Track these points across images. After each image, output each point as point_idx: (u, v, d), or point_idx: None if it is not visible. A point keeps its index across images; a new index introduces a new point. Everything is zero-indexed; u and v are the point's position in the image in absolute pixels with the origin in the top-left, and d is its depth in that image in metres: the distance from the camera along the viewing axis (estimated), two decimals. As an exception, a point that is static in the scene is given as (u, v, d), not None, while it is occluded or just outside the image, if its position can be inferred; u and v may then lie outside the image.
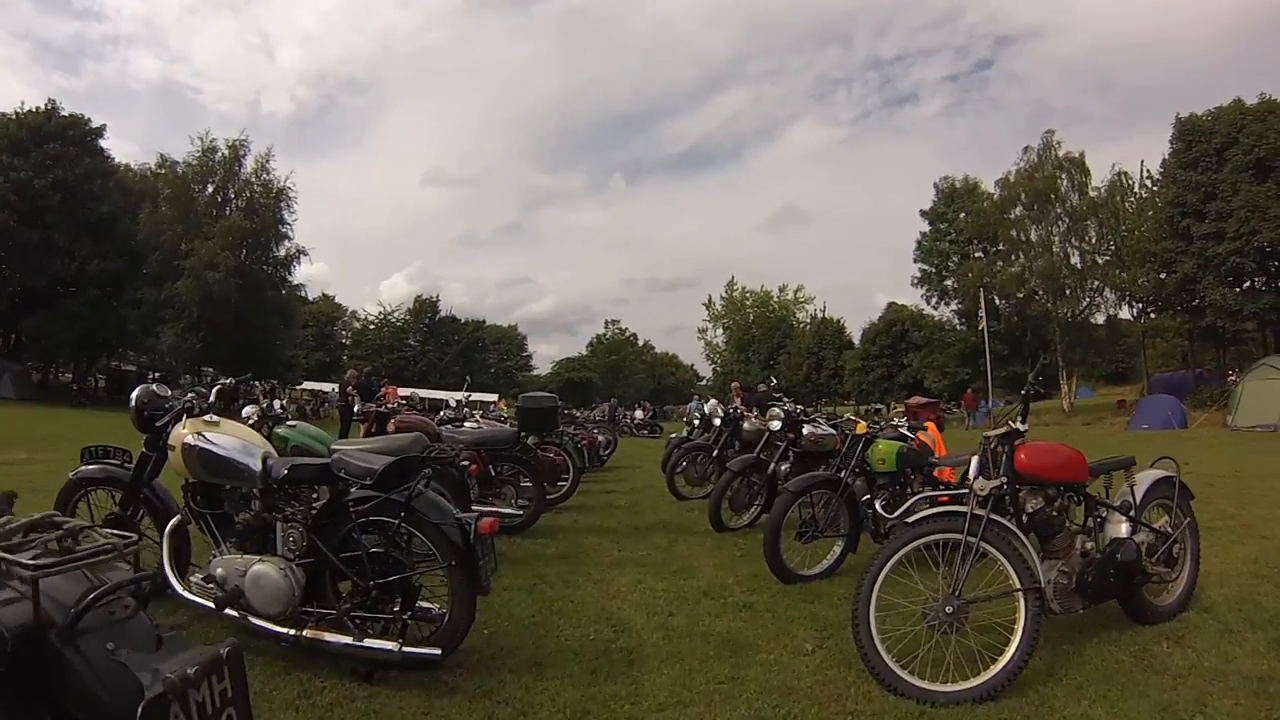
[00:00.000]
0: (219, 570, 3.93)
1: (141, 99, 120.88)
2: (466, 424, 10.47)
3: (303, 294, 53.38)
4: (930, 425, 8.50)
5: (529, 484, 7.68)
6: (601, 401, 52.83)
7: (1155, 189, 40.98)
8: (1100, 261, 47.23)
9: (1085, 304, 48.95)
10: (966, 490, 6.43)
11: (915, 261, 58.93)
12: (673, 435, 16.83)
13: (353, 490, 3.77)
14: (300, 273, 48.91)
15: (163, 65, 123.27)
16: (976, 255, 54.25)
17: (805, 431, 7.89)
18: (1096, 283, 47.70)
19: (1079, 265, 48.05)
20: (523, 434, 8.17)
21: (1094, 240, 47.77)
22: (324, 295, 76.30)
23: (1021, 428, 4.13)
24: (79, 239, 41.16)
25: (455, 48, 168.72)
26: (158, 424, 4.46)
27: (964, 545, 3.80)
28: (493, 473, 7.56)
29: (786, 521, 5.82)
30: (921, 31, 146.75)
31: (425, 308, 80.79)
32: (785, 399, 8.48)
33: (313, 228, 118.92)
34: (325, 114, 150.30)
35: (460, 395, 13.36)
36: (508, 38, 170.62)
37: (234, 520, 4.06)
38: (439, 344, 78.75)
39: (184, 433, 4.18)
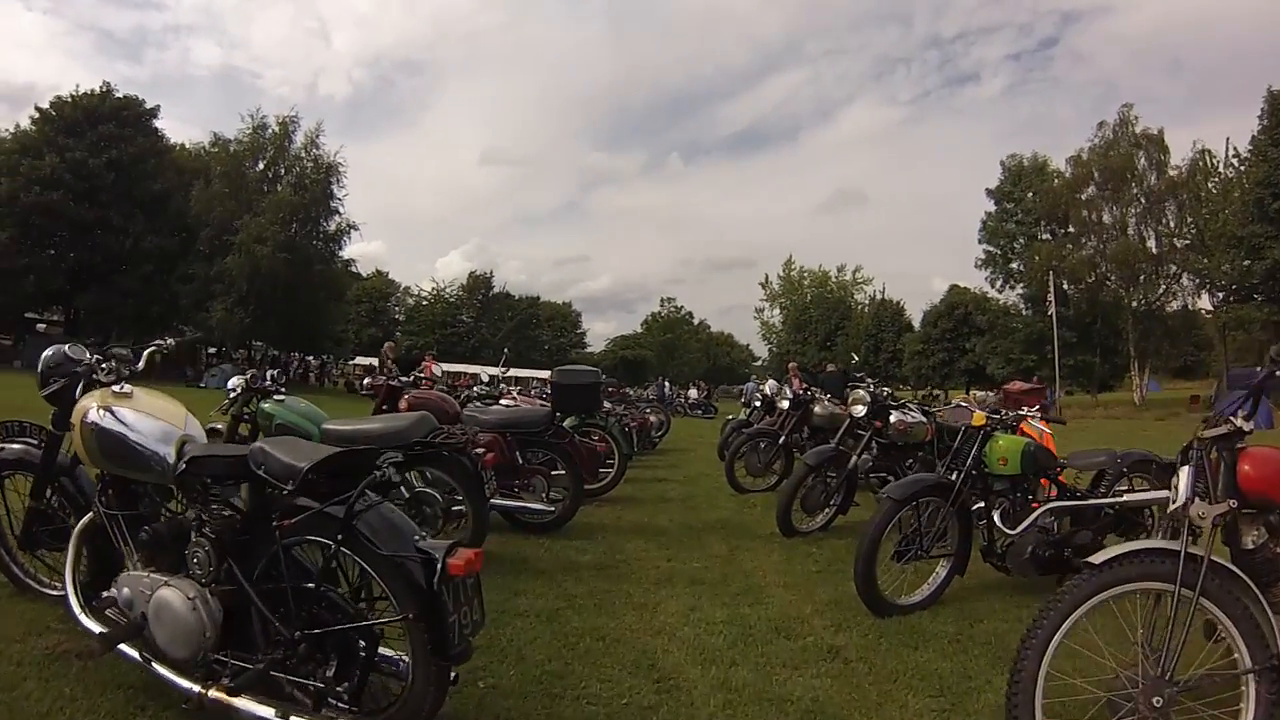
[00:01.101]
0: (124, 590, 2.85)
1: (203, 85, 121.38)
2: (503, 402, 9.41)
3: (353, 269, 53.26)
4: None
5: (564, 473, 6.54)
6: (655, 381, 51.80)
7: (1243, 169, 38.63)
8: (1179, 246, 44.88)
9: (1161, 291, 46.79)
10: (1101, 500, 5.21)
11: (980, 243, 56.59)
12: (729, 417, 15.73)
13: (283, 496, 2.62)
14: (356, 250, 49.19)
15: (223, 52, 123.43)
16: (1044, 237, 52.11)
17: (893, 420, 6.66)
18: (1174, 268, 45.47)
19: (1155, 250, 45.82)
20: (558, 415, 7.02)
21: (1172, 224, 45.47)
22: (377, 271, 76.42)
23: (1247, 427, 2.84)
24: (133, 217, 41.73)
25: (509, 28, 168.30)
26: (44, 392, 3.38)
27: (1177, 600, 2.54)
28: (520, 461, 6.40)
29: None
30: (983, 8, 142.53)
31: (478, 284, 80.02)
32: (869, 380, 7.19)
33: (370, 207, 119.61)
34: (382, 95, 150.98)
35: (496, 370, 12.24)
36: (562, 18, 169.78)
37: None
38: (492, 320, 78.02)
39: (87, 406, 3.09)
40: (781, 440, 9.06)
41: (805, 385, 12.06)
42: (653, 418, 15.03)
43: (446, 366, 23.88)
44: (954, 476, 4.75)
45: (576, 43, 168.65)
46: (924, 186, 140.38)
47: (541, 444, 6.51)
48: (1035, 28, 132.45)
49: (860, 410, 6.67)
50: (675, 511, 7.84)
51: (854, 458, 6.61)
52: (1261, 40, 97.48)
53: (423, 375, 8.04)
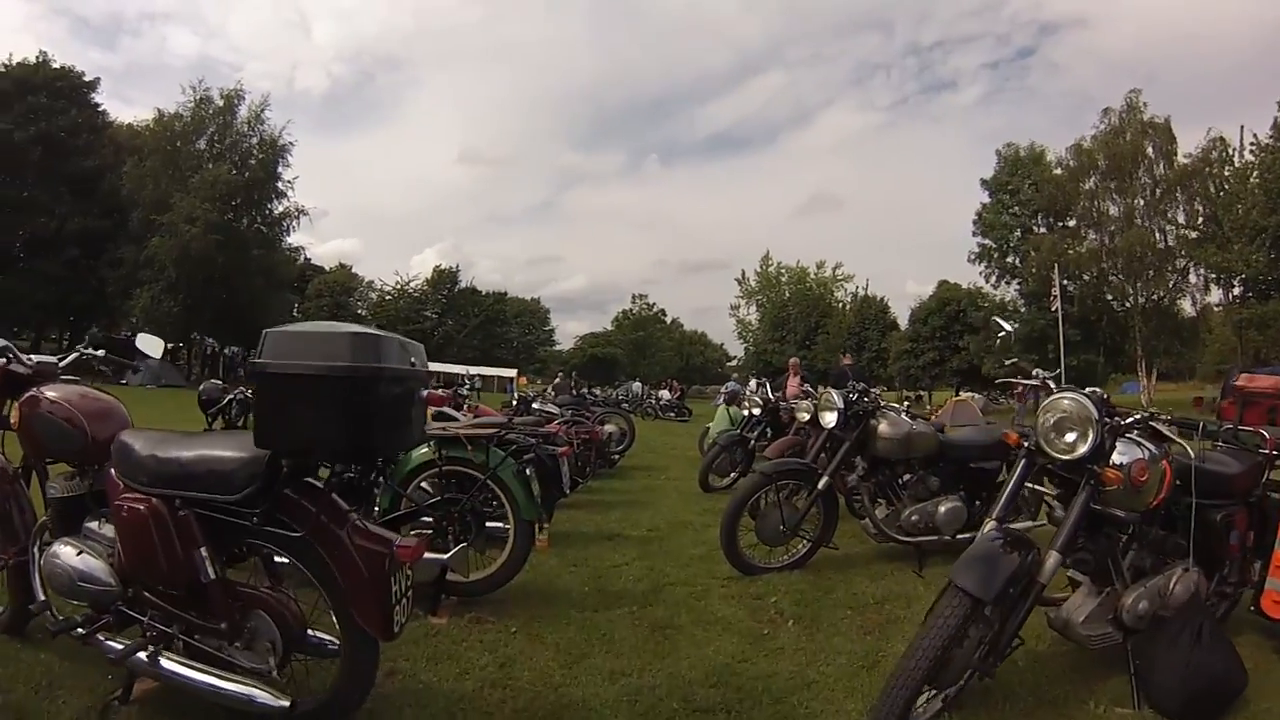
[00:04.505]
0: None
1: (180, 76, 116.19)
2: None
3: (307, 257, 49.74)
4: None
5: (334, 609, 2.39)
6: (626, 379, 47.86)
7: (1264, 155, 35.45)
8: (1191, 238, 41.74)
9: (1171, 285, 43.75)
10: None
11: (974, 235, 53.12)
12: (708, 426, 11.95)
13: None
14: (331, 247, 46.36)
15: (200, 41, 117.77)
16: (1039, 230, 48.89)
17: (1125, 460, 2.73)
18: (1183, 262, 42.39)
19: (1164, 243, 42.81)
20: (284, 462, 2.44)
21: (1182, 216, 42.44)
22: (340, 265, 72.54)
23: None
24: (60, 196, 38.66)
25: (491, 25, 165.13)
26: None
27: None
28: (213, 572, 2.28)
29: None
30: (962, 18, 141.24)
31: (444, 278, 75.42)
32: (1040, 372, 3.33)
33: (346, 203, 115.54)
34: (361, 90, 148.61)
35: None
36: (544, 17, 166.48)
37: None
38: (458, 316, 73.70)
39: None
40: (822, 484, 5.11)
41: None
42: (608, 427, 10.68)
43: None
44: None
45: (556, 42, 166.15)
46: (899, 192, 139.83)
47: (251, 532, 2.36)
48: (1012, 38, 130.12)
49: (1075, 444, 2.76)
50: (631, 647, 3.76)
51: (1051, 555, 2.74)
52: (1235, 57, 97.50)
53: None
